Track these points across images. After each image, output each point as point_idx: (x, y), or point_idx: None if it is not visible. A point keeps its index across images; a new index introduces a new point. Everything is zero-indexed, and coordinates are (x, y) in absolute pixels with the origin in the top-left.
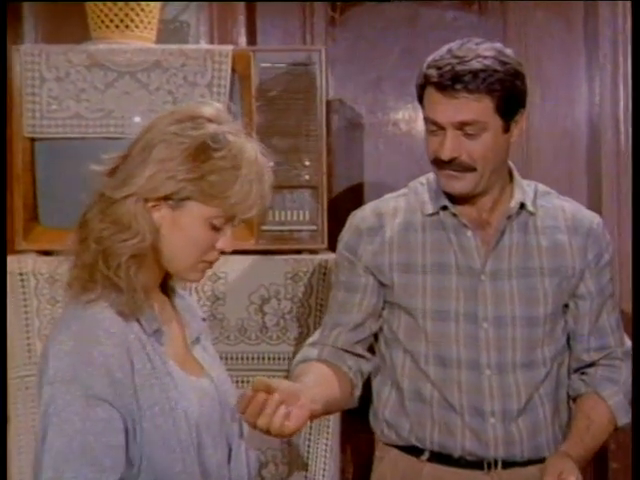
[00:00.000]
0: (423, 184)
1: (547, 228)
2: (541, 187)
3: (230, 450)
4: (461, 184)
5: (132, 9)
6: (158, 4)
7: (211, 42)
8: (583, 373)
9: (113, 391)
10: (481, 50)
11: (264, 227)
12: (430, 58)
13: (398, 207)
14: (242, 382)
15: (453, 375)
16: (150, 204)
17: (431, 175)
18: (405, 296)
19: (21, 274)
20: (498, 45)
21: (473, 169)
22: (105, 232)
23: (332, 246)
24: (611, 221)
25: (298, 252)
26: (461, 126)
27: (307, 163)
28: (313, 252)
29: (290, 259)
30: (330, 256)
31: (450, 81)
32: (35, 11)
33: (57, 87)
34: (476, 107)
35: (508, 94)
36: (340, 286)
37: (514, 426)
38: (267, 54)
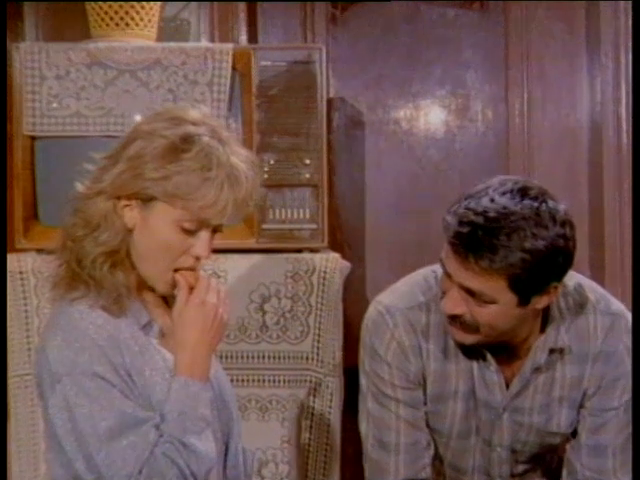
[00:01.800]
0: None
1: (575, 358)
2: (581, 298)
3: (227, 448)
4: (463, 337)
5: (132, 7)
6: (158, 2)
7: (212, 40)
8: None
9: (114, 375)
10: (517, 216)
11: (264, 226)
12: (466, 196)
13: (431, 324)
14: (242, 381)
15: (466, 477)
16: (122, 203)
17: None
18: (434, 420)
19: (21, 273)
20: (546, 207)
21: (476, 330)
22: (80, 231)
23: (332, 245)
24: (612, 219)
25: (299, 251)
26: (468, 290)
27: (307, 161)
28: (314, 251)
29: (291, 257)
30: (330, 255)
31: (462, 247)
32: (36, 9)
33: (57, 85)
34: (485, 282)
35: (531, 274)
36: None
37: None
38: (268, 52)
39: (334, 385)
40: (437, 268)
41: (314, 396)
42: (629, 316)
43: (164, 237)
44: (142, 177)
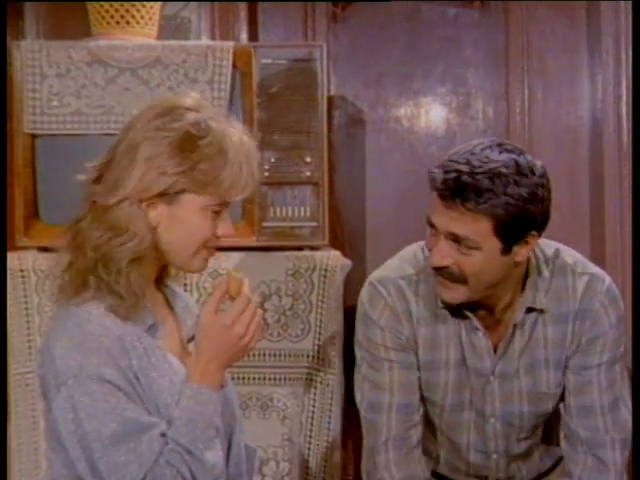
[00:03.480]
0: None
1: (555, 318)
2: (559, 262)
3: (229, 446)
4: (451, 294)
5: (133, 5)
6: (159, 1)
7: (212, 38)
8: (571, 449)
9: (121, 378)
10: (499, 163)
11: (265, 224)
12: (451, 152)
13: (420, 293)
14: (243, 379)
15: (462, 451)
16: (145, 204)
17: None
18: (427, 389)
19: (22, 271)
20: (524, 159)
21: (464, 281)
22: (102, 239)
23: (333, 242)
24: (613, 217)
25: (299, 249)
26: (454, 237)
27: (308, 159)
28: (314, 248)
29: (291, 255)
30: (331, 253)
31: (449, 192)
32: (36, 7)
33: (58, 83)
34: (470, 225)
35: (514, 219)
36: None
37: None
38: (268, 50)
39: (335, 383)
40: (424, 242)
41: (315, 394)
42: (607, 279)
43: (195, 225)
44: (167, 174)
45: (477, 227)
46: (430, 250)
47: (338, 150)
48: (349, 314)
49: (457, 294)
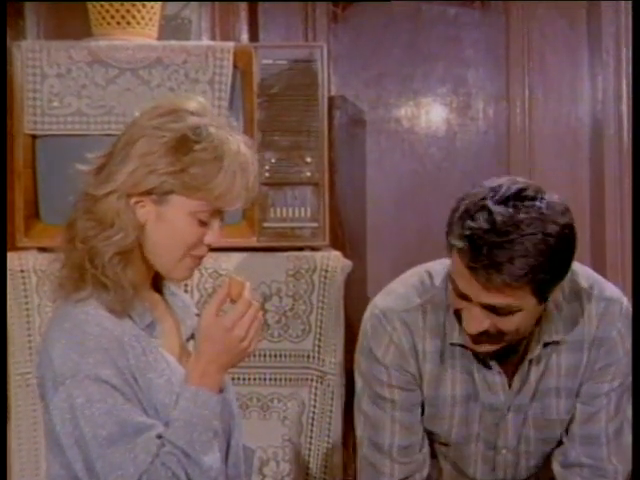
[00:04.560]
0: (442, 299)
1: (570, 346)
2: (574, 285)
3: (228, 447)
4: (485, 348)
5: (133, 5)
6: (160, 1)
7: (213, 38)
8: (570, 476)
9: (119, 379)
10: (525, 222)
11: (265, 224)
12: (463, 213)
13: (427, 326)
14: (243, 379)
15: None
16: (134, 200)
17: (447, 275)
18: (431, 423)
19: (22, 271)
20: (546, 203)
21: (501, 338)
22: (90, 231)
23: (333, 243)
24: (613, 217)
25: (300, 249)
26: (491, 307)
27: (309, 160)
28: (315, 249)
29: (292, 256)
30: (331, 253)
31: (484, 269)
32: (37, 7)
33: (58, 83)
34: (509, 295)
35: (552, 273)
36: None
37: None
38: (269, 50)
39: (335, 383)
40: (431, 268)
41: (315, 394)
42: (624, 301)
43: (181, 230)
44: (157, 172)
45: (517, 295)
46: (458, 312)
47: (339, 150)
48: (349, 315)
49: (492, 347)
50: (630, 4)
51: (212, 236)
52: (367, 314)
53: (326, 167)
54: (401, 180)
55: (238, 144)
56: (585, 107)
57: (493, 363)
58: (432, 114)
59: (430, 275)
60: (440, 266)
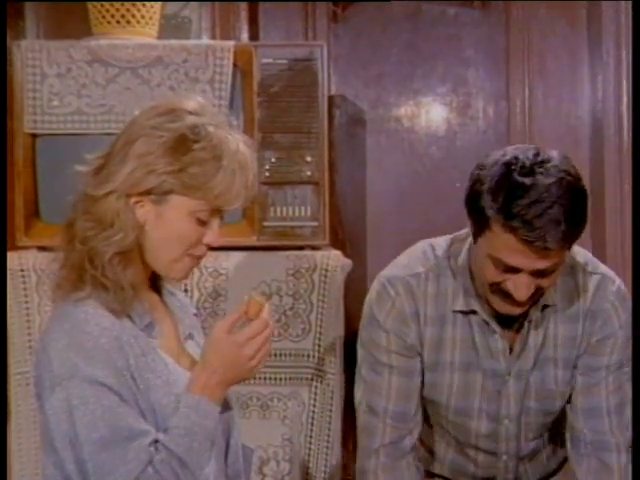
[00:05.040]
0: (445, 267)
1: (566, 317)
2: (570, 260)
3: (227, 446)
4: (520, 309)
5: (133, 5)
6: (160, 1)
7: (213, 38)
8: (575, 451)
9: (117, 380)
10: (554, 183)
11: (266, 223)
12: (496, 192)
13: (428, 292)
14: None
15: (470, 453)
16: (133, 200)
17: (451, 249)
18: (431, 391)
19: (22, 270)
20: (557, 161)
21: (538, 297)
22: (90, 232)
23: (333, 242)
24: (613, 217)
25: (300, 248)
26: (541, 272)
27: (309, 159)
28: (315, 248)
29: (292, 255)
30: (332, 252)
31: (541, 239)
32: (36, 7)
33: (58, 83)
34: (560, 254)
35: (583, 223)
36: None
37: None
38: (269, 50)
39: (335, 383)
40: (433, 240)
41: (315, 394)
42: (617, 280)
43: (180, 229)
44: (156, 172)
45: (563, 251)
46: (499, 284)
47: (339, 150)
48: (349, 314)
49: (526, 307)
50: (630, 4)
51: (211, 236)
52: (373, 285)
53: (326, 166)
54: (401, 179)
55: (237, 143)
56: (585, 107)
57: (496, 327)
58: (432, 113)
59: (432, 247)
60: (442, 239)
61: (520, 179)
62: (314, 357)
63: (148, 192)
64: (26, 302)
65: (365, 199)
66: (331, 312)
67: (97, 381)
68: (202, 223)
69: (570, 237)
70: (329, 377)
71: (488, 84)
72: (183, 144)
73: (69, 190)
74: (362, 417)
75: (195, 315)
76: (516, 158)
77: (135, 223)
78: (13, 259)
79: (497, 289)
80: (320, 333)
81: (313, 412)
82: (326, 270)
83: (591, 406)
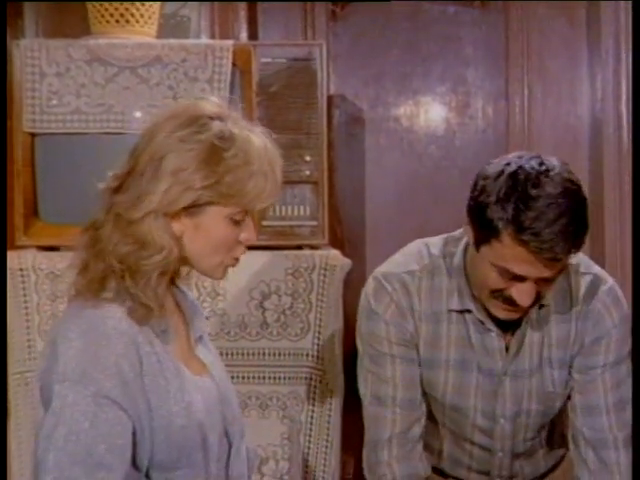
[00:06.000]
0: (440, 266)
1: (559, 317)
2: None
3: (230, 447)
4: (520, 314)
5: (132, 4)
6: (159, 0)
7: (212, 37)
8: (576, 448)
9: (123, 392)
10: (560, 193)
11: (265, 222)
12: (504, 203)
13: (422, 289)
14: (243, 378)
15: (466, 446)
16: (169, 215)
17: (446, 248)
18: (427, 387)
19: (21, 270)
20: (559, 169)
21: (538, 301)
22: (128, 251)
23: (332, 242)
24: (613, 217)
25: (299, 248)
26: (547, 278)
27: (308, 158)
28: (314, 247)
29: (291, 255)
30: (331, 252)
31: (550, 250)
32: (36, 6)
33: (57, 82)
34: (565, 260)
35: (587, 228)
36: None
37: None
38: (268, 49)
39: (334, 382)
40: (428, 240)
41: (314, 393)
42: (610, 281)
43: (219, 235)
44: (193, 188)
45: (567, 258)
46: (501, 290)
47: (338, 149)
48: (349, 313)
49: (524, 312)
50: (630, 3)
51: (248, 234)
52: (368, 281)
53: (325, 166)
54: (400, 179)
55: (264, 142)
56: (584, 106)
57: (492, 326)
58: (431, 113)
59: (427, 245)
60: (436, 239)
61: (528, 190)
62: (313, 356)
63: (185, 208)
64: (25, 302)
65: (364, 198)
66: (330, 311)
67: (101, 393)
68: (237, 224)
69: (578, 245)
70: (328, 376)
71: (487, 83)
72: (215, 154)
73: (68, 189)
74: (369, 409)
75: (207, 318)
76: (521, 168)
77: (175, 238)
78: (12, 258)
79: (499, 295)
80: (319, 332)
81: (312, 411)
82: (325, 269)
83: (589, 404)
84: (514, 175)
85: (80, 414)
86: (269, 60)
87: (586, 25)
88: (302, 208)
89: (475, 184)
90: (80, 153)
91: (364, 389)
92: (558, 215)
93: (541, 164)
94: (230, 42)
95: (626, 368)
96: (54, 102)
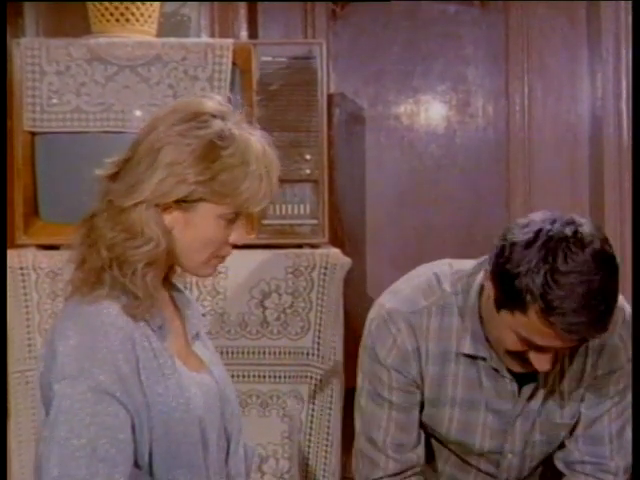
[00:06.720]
0: (451, 303)
1: (574, 351)
2: None
3: (229, 445)
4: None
5: (132, 3)
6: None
7: (212, 36)
8: (571, 473)
9: (121, 387)
10: (593, 269)
11: (265, 221)
12: (535, 279)
13: (431, 328)
14: (243, 376)
15: (470, 472)
16: (161, 207)
17: (458, 284)
18: (430, 422)
19: (21, 268)
20: (604, 247)
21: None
22: (117, 239)
23: (333, 240)
24: (613, 215)
25: (299, 246)
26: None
27: (308, 157)
28: (314, 246)
29: (291, 253)
30: (331, 250)
31: (578, 335)
32: (36, 5)
33: (57, 81)
34: None
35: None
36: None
37: None
38: (268, 48)
39: (334, 380)
40: (438, 269)
41: (314, 392)
42: (627, 308)
43: (208, 233)
44: (187, 182)
45: None
46: (519, 352)
47: (338, 148)
48: (349, 312)
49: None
50: (630, 2)
51: (237, 235)
52: (372, 313)
53: (325, 164)
54: (400, 177)
55: (263, 146)
56: (584, 105)
57: (507, 374)
58: (431, 111)
59: (437, 277)
60: (447, 267)
61: (558, 265)
62: (313, 355)
63: (177, 201)
64: (25, 300)
65: (364, 197)
66: (330, 310)
67: (100, 388)
68: (228, 224)
69: (606, 328)
70: (328, 375)
71: (488, 82)
72: (212, 151)
73: (68, 188)
74: (363, 446)
75: (203, 315)
76: (552, 239)
77: (165, 231)
78: (12, 257)
79: (516, 355)
80: (319, 331)
81: (312, 410)
82: (325, 268)
83: (594, 434)
84: (545, 245)
85: (81, 410)
86: (269, 59)
87: (586, 23)
88: (302, 207)
89: (502, 249)
90: (80, 152)
91: (358, 427)
92: (588, 294)
93: (575, 233)
94: (230, 41)
95: (629, 396)
96: (54, 101)
